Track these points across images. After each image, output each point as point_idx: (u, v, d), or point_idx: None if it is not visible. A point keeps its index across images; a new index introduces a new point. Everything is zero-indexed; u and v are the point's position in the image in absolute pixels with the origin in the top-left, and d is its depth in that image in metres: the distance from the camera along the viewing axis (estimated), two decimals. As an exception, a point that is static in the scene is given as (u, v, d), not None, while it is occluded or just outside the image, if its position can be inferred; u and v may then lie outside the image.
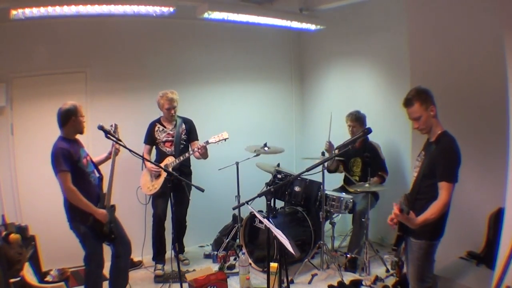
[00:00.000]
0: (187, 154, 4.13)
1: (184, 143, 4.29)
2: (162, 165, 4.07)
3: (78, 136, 3.21)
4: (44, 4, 3.34)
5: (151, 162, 3.96)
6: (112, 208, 3.27)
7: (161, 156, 4.23)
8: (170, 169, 4.01)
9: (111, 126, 3.39)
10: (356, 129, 4.27)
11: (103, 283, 3.32)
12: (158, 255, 4.28)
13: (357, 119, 4.29)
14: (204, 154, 4.08)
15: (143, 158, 3.67)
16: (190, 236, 4.67)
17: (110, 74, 4.49)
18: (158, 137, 4.22)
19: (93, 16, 3.65)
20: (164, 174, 4.03)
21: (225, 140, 4.01)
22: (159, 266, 4.20)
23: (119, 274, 3.36)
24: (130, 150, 3.28)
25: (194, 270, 4.08)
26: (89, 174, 3.18)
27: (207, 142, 4.03)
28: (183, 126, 4.30)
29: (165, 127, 4.25)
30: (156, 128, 4.24)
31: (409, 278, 2.70)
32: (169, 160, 4.15)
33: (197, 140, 4.35)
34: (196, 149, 4.06)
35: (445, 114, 2.61)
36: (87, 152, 3.28)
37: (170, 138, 4.24)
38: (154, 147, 4.30)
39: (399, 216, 2.34)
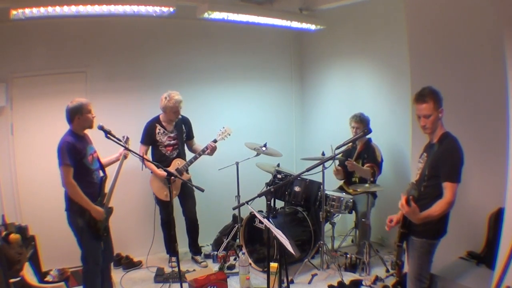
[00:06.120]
0: (197, 156, 4.17)
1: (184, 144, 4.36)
2: (171, 169, 4.08)
3: (87, 131, 3.24)
4: (44, 4, 3.34)
5: (163, 169, 3.44)
6: (109, 210, 3.27)
7: (160, 158, 4.18)
8: (185, 173, 4.16)
9: (123, 137, 3.42)
10: (360, 130, 4.24)
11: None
12: (170, 248, 4.34)
13: (361, 121, 4.26)
14: (212, 152, 4.20)
15: (143, 159, 3.66)
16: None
17: (110, 74, 4.49)
18: (160, 140, 4.19)
19: (93, 16, 3.65)
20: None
21: (229, 135, 4.19)
22: (173, 258, 4.24)
23: (103, 279, 3.35)
24: (130, 151, 3.30)
25: (194, 270, 4.08)
26: (92, 171, 3.18)
27: (215, 141, 4.17)
28: (183, 127, 4.31)
29: (165, 129, 4.22)
30: (157, 130, 4.19)
31: (408, 277, 2.71)
32: (179, 164, 4.17)
33: (193, 138, 4.42)
34: (206, 150, 4.14)
35: (445, 114, 2.61)
36: (95, 149, 3.28)
37: (172, 142, 4.22)
38: (150, 147, 4.25)
39: (405, 208, 2.35)
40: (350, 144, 2.81)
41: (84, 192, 3.05)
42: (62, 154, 2.99)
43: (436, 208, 2.40)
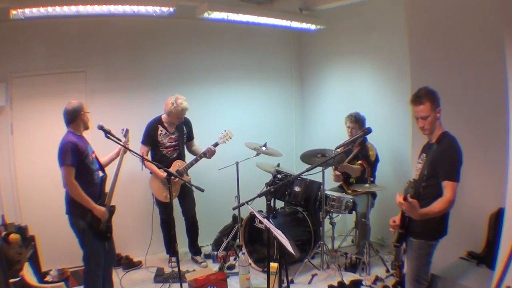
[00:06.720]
0: (198, 158, 4.17)
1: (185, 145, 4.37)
2: (171, 170, 4.04)
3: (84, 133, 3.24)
4: (44, 4, 3.34)
5: (164, 169, 3.39)
6: (111, 208, 3.27)
7: (161, 159, 4.15)
8: (184, 175, 4.15)
9: (123, 130, 3.43)
10: (355, 131, 4.20)
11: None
12: (170, 249, 4.34)
13: (357, 121, 4.24)
14: (210, 156, 4.22)
15: (143, 159, 3.65)
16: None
17: (110, 74, 4.49)
18: (161, 141, 4.18)
19: (93, 16, 3.65)
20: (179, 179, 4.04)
21: (230, 138, 4.21)
22: (173, 258, 4.24)
23: (105, 280, 3.35)
24: (130, 150, 3.30)
25: (194, 270, 4.08)
26: (93, 172, 3.19)
27: (216, 144, 4.18)
28: (184, 129, 4.31)
29: (167, 130, 4.20)
30: (159, 132, 4.17)
31: (406, 278, 2.71)
32: (179, 166, 4.17)
33: (193, 138, 4.43)
34: (207, 153, 4.15)
35: (445, 114, 2.61)
36: (93, 150, 3.29)
37: (174, 143, 4.22)
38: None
39: (403, 205, 2.34)
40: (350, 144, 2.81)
41: (85, 193, 3.05)
42: (64, 154, 2.99)
43: (437, 205, 2.39)
